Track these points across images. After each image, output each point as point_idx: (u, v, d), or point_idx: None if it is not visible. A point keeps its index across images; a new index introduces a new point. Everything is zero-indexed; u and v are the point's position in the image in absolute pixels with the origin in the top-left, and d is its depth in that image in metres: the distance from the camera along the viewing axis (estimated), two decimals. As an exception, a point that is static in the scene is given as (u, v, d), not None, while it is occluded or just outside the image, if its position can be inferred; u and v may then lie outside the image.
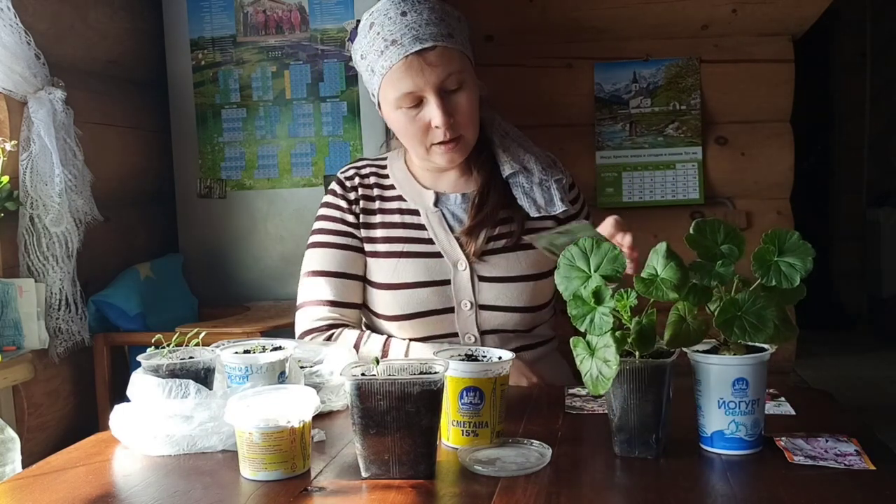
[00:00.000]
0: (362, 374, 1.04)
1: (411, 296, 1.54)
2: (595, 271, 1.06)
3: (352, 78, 2.89)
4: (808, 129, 5.00)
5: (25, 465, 1.42)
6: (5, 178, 2.15)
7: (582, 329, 1.04)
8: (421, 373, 1.05)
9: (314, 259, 1.60)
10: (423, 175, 1.62)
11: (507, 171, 1.59)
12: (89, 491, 1.03)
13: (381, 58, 1.46)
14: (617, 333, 1.02)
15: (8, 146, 2.12)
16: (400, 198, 1.61)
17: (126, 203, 2.88)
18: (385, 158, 1.69)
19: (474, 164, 1.60)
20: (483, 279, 1.54)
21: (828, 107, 5.99)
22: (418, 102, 1.48)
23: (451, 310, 1.55)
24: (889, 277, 5.39)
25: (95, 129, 2.64)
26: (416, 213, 1.59)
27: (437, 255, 1.56)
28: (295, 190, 2.94)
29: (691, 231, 1.07)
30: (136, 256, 2.84)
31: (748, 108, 3.47)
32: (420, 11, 1.46)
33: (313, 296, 1.57)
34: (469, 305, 1.54)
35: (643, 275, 1.04)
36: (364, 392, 1.01)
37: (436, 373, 1.04)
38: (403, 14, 1.46)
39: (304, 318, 1.57)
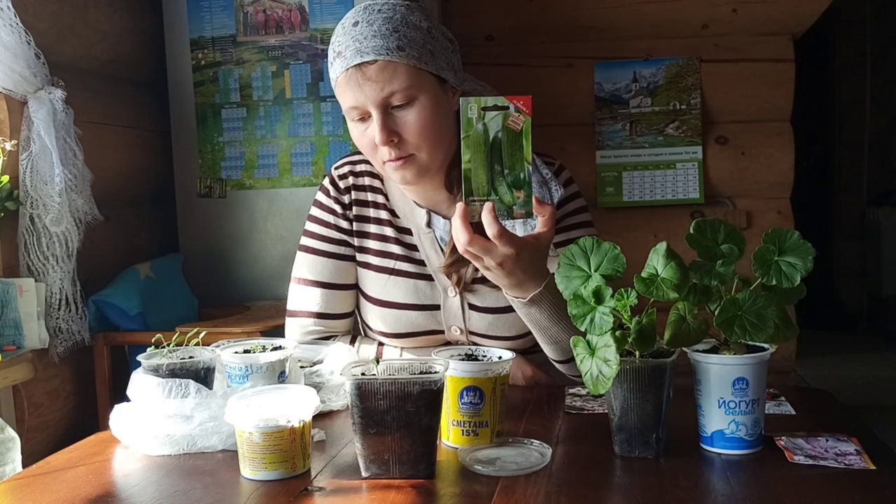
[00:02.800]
0: (362, 374, 1.04)
1: (400, 316, 1.51)
2: (595, 271, 1.06)
3: (352, 78, 2.89)
4: (808, 129, 5.00)
5: (25, 464, 1.42)
6: (5, 178, 2.15)
7: (582, 329, 1.04)
8: (421, 372, 1.06)
9: (304, 265, 1.57)
10: (414, 190, 1.52)
11: None
12: (89, 491, 1.03)
13: (331, 69, 1.41)
14: (617, 333, 1.02)
15: (8, 146, 2.12)
16: (393, 213, 1.54)
17: (126, 203, 2.89)
18: None
19: (458, 189, 1.46)
20: (473, 308, 1.50)
21: (828, 107, 5.99)
22: (366, 116, 1.39)
23: (441, 331, 1.52)
24: (889, 277, 5.39)
25: (95, 129, 2.64)
26: (408, 231, 1.53)
27: (429, 277, 1.51)
28: (295, 190, 2.94)
29: (691, 231, 1.07)
30: (136, 256, 2.84)
31: (748, 108, 3.47)
32: (372, 22, 1.36)
33: (301, 306, 1.55)
34: (459, 331, 1.51)
35: (643, 274, 1.05)
36: (364, 392, 1.01)
37: (436, 372, 1.04)
38: (355, 24, 1.38)
39: (294, 330, 1.56)
